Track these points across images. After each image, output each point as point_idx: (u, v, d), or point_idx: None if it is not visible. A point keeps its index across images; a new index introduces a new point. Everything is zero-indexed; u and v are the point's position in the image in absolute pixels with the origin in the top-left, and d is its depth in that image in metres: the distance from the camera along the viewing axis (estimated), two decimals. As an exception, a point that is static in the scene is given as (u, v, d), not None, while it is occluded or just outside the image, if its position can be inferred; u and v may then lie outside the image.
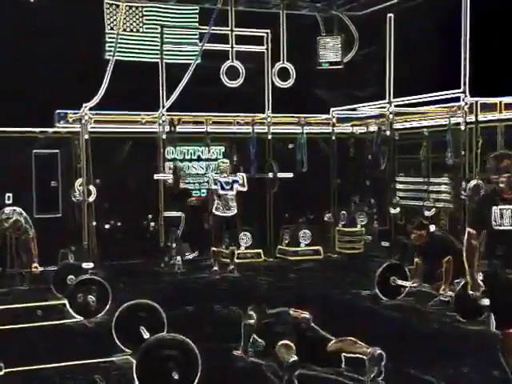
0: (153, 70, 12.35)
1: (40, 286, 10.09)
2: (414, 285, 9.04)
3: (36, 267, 10.34)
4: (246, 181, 11.77)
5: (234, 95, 12.77)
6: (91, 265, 10.10)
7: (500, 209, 5.55)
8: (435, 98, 11.23)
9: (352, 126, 14.44)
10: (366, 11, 14.01)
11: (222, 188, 11.50)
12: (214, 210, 11.57)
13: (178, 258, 11.94)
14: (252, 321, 6.55)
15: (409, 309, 8.96)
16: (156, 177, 12.23)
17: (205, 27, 12.36)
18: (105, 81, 11.21)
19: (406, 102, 12.07)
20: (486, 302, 5.62)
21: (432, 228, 9.42)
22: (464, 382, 6.20)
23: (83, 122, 11.55)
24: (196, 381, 5.57)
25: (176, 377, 5.47)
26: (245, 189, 11.69)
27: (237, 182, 11.61)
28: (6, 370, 5.97)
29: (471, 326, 7.87)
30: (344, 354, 6.06)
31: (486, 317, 7.51)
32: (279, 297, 9.22)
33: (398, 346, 6.82)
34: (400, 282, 9.21)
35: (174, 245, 12.06)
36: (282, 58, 13.35)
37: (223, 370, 6.40)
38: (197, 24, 13.22)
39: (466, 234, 5.73)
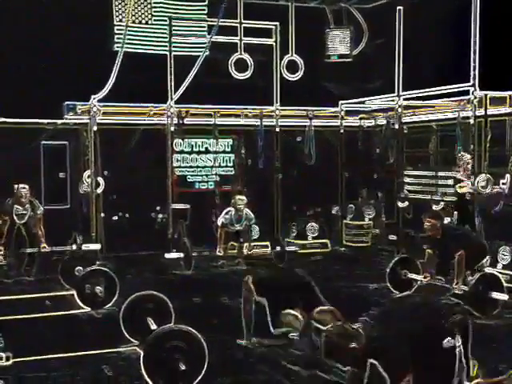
0: (161, 62, 12.34)
1: (47, 277, 10.15)
2: (426, 279, 8.95)
3: (44, 247, 10.41)
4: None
5: (243, 87, 12.76)
6: (98, 246, 10.10)
7: None
8: (444, 92, 11.19)
9: (360, 119, 14.41)
10: (375, 4, 13.97)
11: (232, 224, 11.63)
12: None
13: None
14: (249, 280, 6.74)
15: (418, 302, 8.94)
16: None
17: (213, 19, 12.37)
18: (113, 73, 11.24)
19: (415, 95, 12.03)
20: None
21: (446, 220, 9.35)
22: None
23: (92, 113, 11.60)
24: (203, 372, 5.59)
25: (183, 367, 5.49)
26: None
27: (250, 220, 11.67)
28: (15, 360, 6.01)
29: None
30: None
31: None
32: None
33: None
34: (411, 276, 9.18)
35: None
36: (290, 51, 13.31)
37: (230, 361, 6.43)
38: (205, 16, 13.21)
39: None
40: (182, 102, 12.33)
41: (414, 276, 9.15)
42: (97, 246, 10.51)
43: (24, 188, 10.59)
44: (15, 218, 10.43)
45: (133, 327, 6.79)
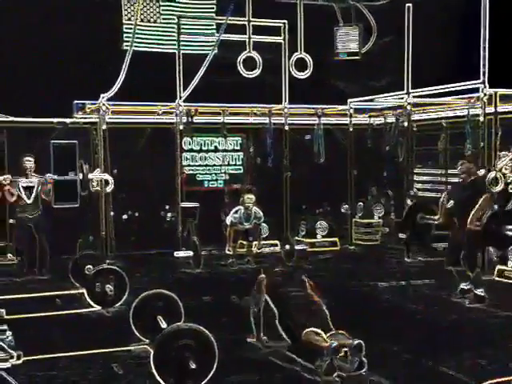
0: (170, 61, 12.34)
1: (57, 276, 10.18)
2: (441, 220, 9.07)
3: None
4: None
5: (252, 86, 12.75)
6: (107, 177, 10.05)
7: None
8: (454, 89, 11.14)
9: (369, 116, 14.37)
10: (384, 1, 13.92)
11: (241, 223, 11.62)
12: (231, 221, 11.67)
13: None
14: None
15: (429, 299, 8.93)
16: None
17: (222, 17, 12.36)
18: (122, 71, 11.25)
19: (425, 92, 11.98)
20: None
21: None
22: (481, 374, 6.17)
23: (101, 112, 11.61)
24: (213, 370, 5.59)
25: (193, 366, 5.49)
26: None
27: (259, 219, 11.64)
28: (25, 358, 6.03)
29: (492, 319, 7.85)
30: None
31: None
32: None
33: (411, 337, 6.84)
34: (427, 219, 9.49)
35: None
36: (299, 49, 13.29)
37: (240, 359, 6.43)
38: (214, 14, 13.20)
39: None
40: (190, 101, 12.33)
41: (430, 218, 9.40)
42: (105, 176, 10.50)
43: (29, 160, 10.66)
44: (20, 189, 10.53)
45: (143, 326, 6.79)
